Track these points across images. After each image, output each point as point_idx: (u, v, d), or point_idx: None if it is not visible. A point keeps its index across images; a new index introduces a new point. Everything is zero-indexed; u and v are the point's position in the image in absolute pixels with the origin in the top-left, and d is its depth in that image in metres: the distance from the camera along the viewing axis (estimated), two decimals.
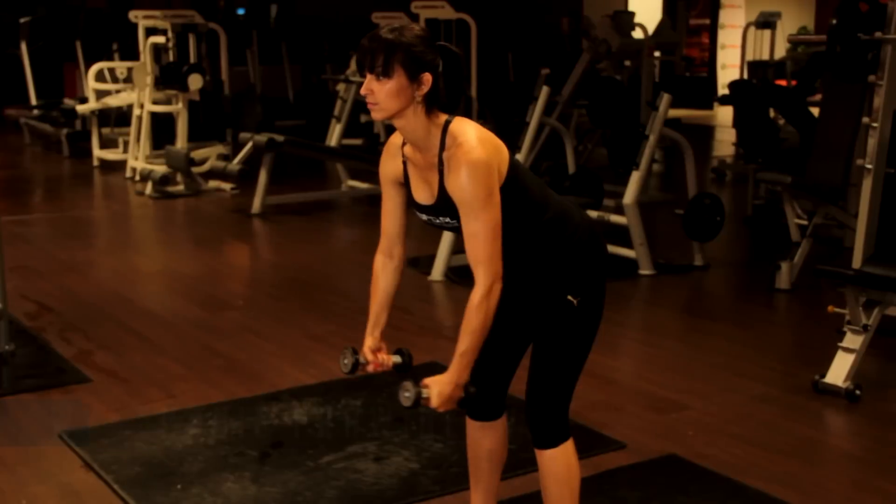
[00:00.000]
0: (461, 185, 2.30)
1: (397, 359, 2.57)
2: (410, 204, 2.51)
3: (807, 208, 6.67)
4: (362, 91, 2.33)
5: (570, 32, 14.48)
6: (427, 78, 2.30)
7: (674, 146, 7.82)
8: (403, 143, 2.46)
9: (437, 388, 2.35)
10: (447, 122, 2.36)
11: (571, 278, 2.50)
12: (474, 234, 2.32)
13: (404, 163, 2.47)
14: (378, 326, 2.58)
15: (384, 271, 2.60)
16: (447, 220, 2.43)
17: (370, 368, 2.55)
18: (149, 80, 9.22)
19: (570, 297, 2.48)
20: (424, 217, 2.50)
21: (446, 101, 2.36)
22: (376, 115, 2.34)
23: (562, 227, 2.48)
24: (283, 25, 15.21)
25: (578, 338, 2.52)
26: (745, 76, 11.10)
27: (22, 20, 12.59)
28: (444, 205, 2.39)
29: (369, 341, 2.57)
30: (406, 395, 2.34)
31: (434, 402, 2.35)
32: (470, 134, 2.33)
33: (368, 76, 2.31)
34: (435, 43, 2.34)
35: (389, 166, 2.52)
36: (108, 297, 5.73)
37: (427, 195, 2.44)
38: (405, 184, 2.49)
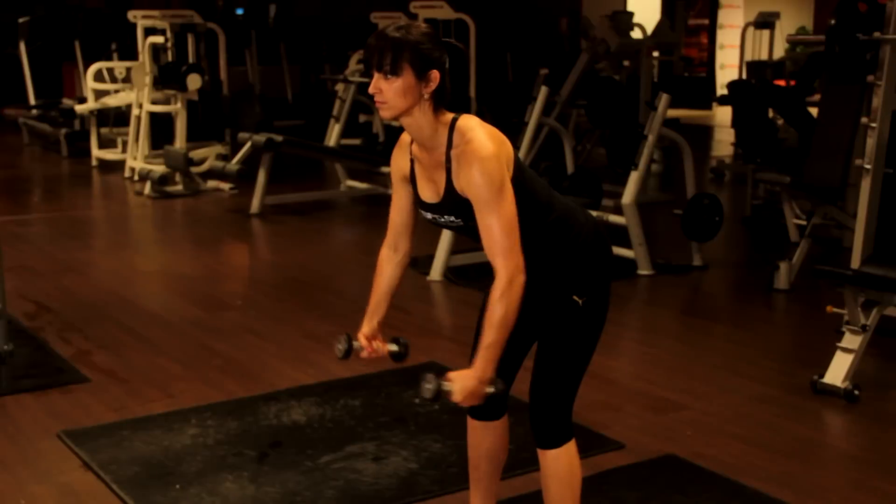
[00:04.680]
0: (474, 181, 2.29)
1: (393, 347, 2.57)
2: (416, 202, 2.51)
3: (805, 208, 6.67)
4: (370, 90, 2.32)
5: (568, 32, 14.51)
6: (435, 75, 2.30)
7: (672, 146, 7.82)
8: (412, 142, 2.46)
9: (461, 383, 2.28)
10: (454, 120, 2.36)
11: (577, 278, 2.50)
12: (490, 227, 2.30)
13: (412, 161, 2.48)
14: (376, 315, 2.61)
15: (388, 263, 2.62)
16: (452, 218, 2.43)
17: (364, 354, 2.58)
18: (147, 80, 9.21)
19: (575, 298, 2.48)
20: (429, 216, 2.49)
21: (452, 98, 2.36)
22: (385, 114, 2.34)
23: (567, 227, 2.47)
24: (282, 25, 15.22)
25: (583, 338, 2.51)
26: (744, 76, 11.11)
27: (21, 20, 12.59)
28: (450, 203, 2.39)
29: (366, 328, 2.60)
30: (427, 386, 2.26)
31: (457, 396, 2.28)
32: (478, 131, 2.33)
33: (376, 75, 2.30)
34: (441, 40, 2.34)
35: (399, 162, 2.53)
36: (107, 296, 5.73)
37: (433, 194, 2.44)
38: (411, 181, 2.50)
